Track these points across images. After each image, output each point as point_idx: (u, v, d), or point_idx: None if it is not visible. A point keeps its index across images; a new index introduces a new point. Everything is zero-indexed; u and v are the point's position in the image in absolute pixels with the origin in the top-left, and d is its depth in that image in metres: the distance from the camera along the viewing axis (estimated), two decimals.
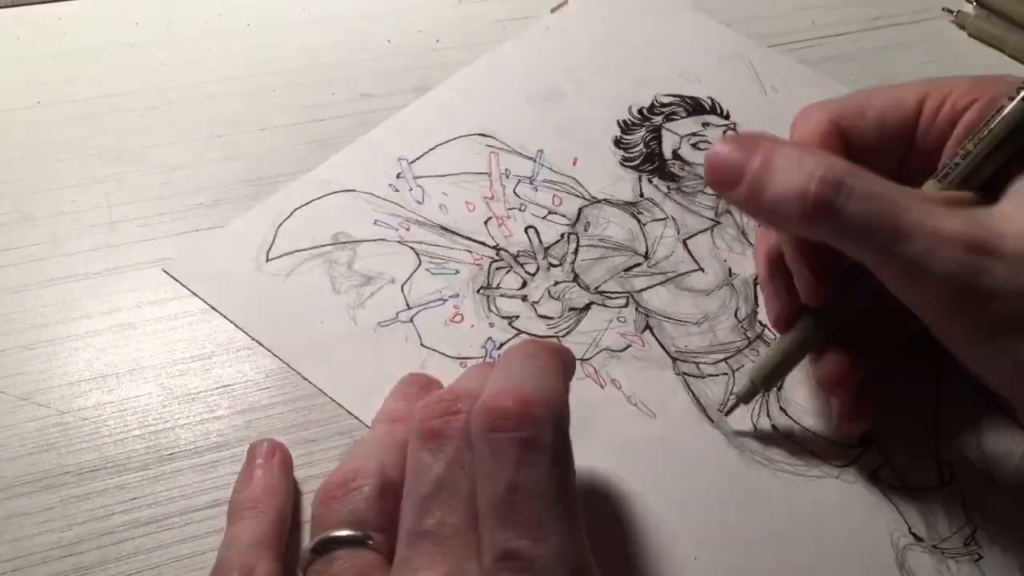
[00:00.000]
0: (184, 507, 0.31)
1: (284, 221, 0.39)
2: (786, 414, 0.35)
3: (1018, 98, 0.28)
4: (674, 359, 0.36)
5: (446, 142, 0.43)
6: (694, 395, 0.35)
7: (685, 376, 0.36)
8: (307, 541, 0.27)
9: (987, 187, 0.29)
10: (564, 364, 0.29)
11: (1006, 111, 0.28)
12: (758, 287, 0.38)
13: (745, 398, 0.34)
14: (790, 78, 0.48)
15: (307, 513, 0.31)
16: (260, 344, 0.35)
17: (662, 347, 0.37)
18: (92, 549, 0.30)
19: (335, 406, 0.34)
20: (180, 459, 0.32)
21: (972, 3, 0.52)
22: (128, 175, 0.41)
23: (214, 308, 0.36)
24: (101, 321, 0.36)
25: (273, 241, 0.39)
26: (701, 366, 0.36)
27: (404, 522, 0.26)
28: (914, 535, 0.32)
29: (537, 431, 0.25)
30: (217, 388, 0.34)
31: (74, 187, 0.40)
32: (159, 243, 0.38)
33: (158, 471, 0.32)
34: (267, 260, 0.38)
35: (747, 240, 0.40)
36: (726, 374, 0.36)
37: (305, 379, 0.35)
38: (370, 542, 0.26)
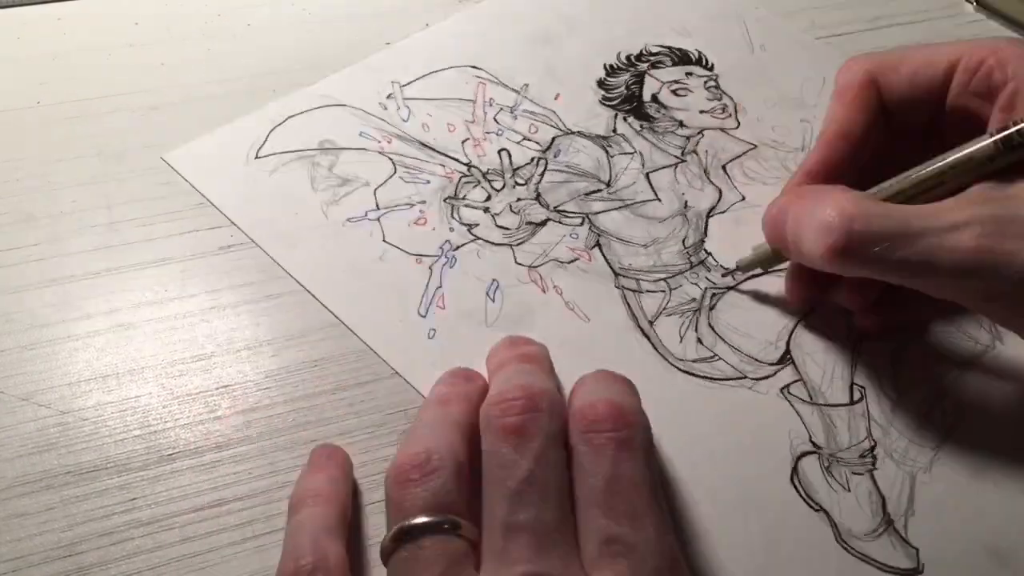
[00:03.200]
0: (184, 507, 0.31)
1: (277, 126, 0.43)
2: (713, 330, 0.37)
3: None
4: (616, 274, 0.39)
5: (439, 71, 0.46)
6: (629, 307, 0.37)
7: (624, 289, 0.38)
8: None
9: None
10: (635, 391, 0.31)
11: None
12: (710, 219, 0.41)
13: (745, 268, 0.38)
14: (781, 39, 0.50)
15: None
16: (240, 229, 0.39)
17: (607, 263, 0.39)
18: (92, 549, 0.30)
19: (334, 407, 0.34)
20: (180, 459, 0.32)
21: (972, 3, 0.52)
22: (128, 175, 0.41)
23: (204, 196, 0.40)
24: (101, 321, 0.36)
25: (264, 141, 0.42)
26: (641, 282, 0.38)
27: (495, 513, 0.26)
28: (813, 443, 0.34)
29: (631, 432, 0.28)
30: (217, 388, 0.34)
31: (74, 187, 0.40)
32: (159, 243, 0.38)
33: (158, 471, 0.32)
34: (256, 157, 0.41)
35: (708, 179, 0.42)
36: (663, 291, 0.38)
37: (275, 261, 0.38)
38: (458, 530, 0.26)
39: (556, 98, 0.45)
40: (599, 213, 0.41)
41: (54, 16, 0.47)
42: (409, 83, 0.45)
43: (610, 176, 0.42)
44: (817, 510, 0.32)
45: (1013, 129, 0.30)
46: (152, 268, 0.38)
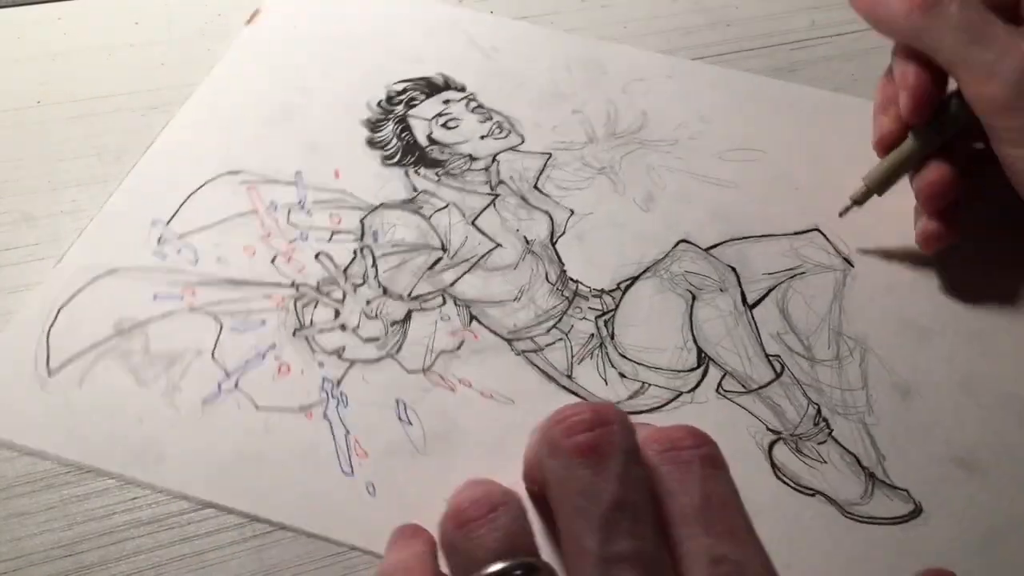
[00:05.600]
0: (185, 507, 0.31)
1: (51, 326, 0.35)
2: (626, 358, 0.36)
3: None
4: (509, 341, 0.37)
5: (195, 191, 0.39)
6: (541, 369, 0.36)
7: (525, 353, 0.36)
8: None
9: None
10: None
11: None
12: (556, 246, 0.39)
13: (860, 200, 0.39)
14: (505, 36, 0.48)
15: None
16: (81, 468, 0.32)
17: (493, 333, 0.37)
18: (92, 549, 0.30)
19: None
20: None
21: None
22: (128, 175, 0.41)
23: (10, 443, 0.32)
24: None
25: (48, 351, 0.34)
26: (536, 339, 0.37)
27: (584, 547, 0.24)
28: (771, 430, 0.35)
29: (713, 449, 0.26)
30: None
31: (74, 187, 0.40)
32: None
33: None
34: (49, 374, 0.34)
35: (530, 205, 0.41)
36: (561, 339, 0.37)
37: (146, 488, 0.31)
38: (524, 573, 0.24)
39: (337, 176, 0.41)
40: (454, 283, 0.38)
41: (54, 16, 0.47)
42: (172, 217, 0.38)
43: (440, 239, 0.39)
44: (812, 494, 0.33)
45: None
46: None
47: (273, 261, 0.38)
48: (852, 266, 0.40)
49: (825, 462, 0.34)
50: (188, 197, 0.39)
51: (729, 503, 0.25)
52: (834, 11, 0.52)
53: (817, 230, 0.41)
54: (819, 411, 0.35)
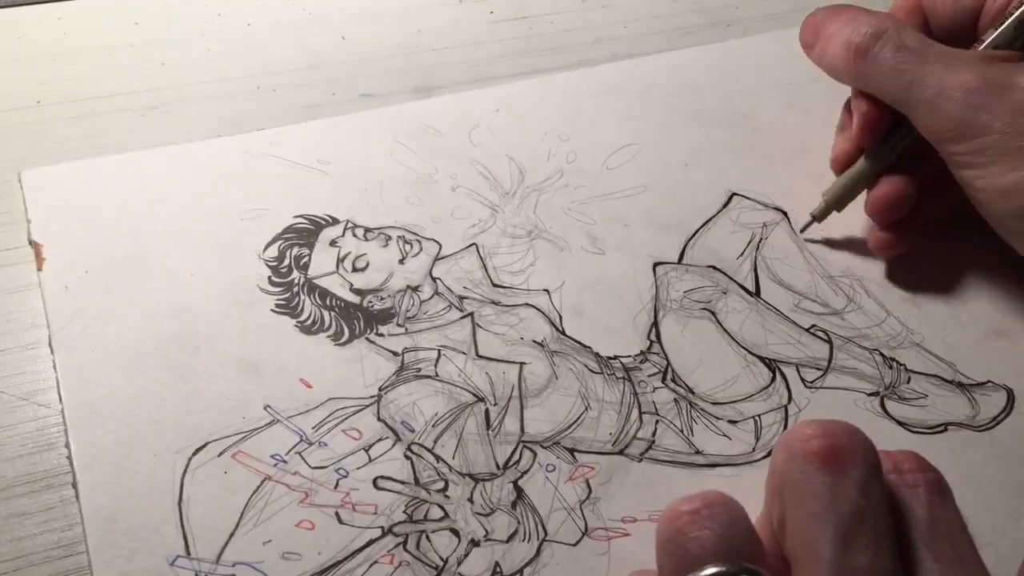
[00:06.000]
0: None
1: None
2: (720, 403, 0.35)
3: None
4: (620, 453, 0.34)
5: (180, 498, 0.30)
6: (669, 462, 0.33)
7: (645, 457, 0.33)
8: None
9: None
10: None
11: None
12: (568, 336, 0.36)
13: (820, 217, 0.40)
14: (317, 143, 0.41)
15: None
16: None
17: (602, 454, 0.33)
18: None
19: None
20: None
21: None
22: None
23: None
24: None
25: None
26: (639, 436, 0.34)
27: (819, 554, 0.23)
28: (870, 395, 0.36)
29: (938, 476, 0.26)
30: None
31: None
32: None
33: None
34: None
35: (505, 305, 0.37)
36: (658, 421, 0.34)
37: None
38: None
39: (308, 387, 0.34)
40: (524, 428, 0.33)
41: (54, 16, 0.47)
42: (187, 547, 0.30)
43: (470, 390, 0.34)
44: (944, 429, 0.35)
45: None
46: None
47: (340, 520, 0.31)
48: (785, 213, 0.41)
49: (926, 396, 0.36)
50: (180, 509, 0.30)
51: (955, 529, 0.25)
52: None
53: (736, 195, 0.42)
54: (883, 355, 0.37)
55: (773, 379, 0.36)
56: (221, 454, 0.32)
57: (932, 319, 0.38)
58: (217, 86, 0.45)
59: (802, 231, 0.40)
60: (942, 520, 0.25)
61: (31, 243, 0.36)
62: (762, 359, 0.36)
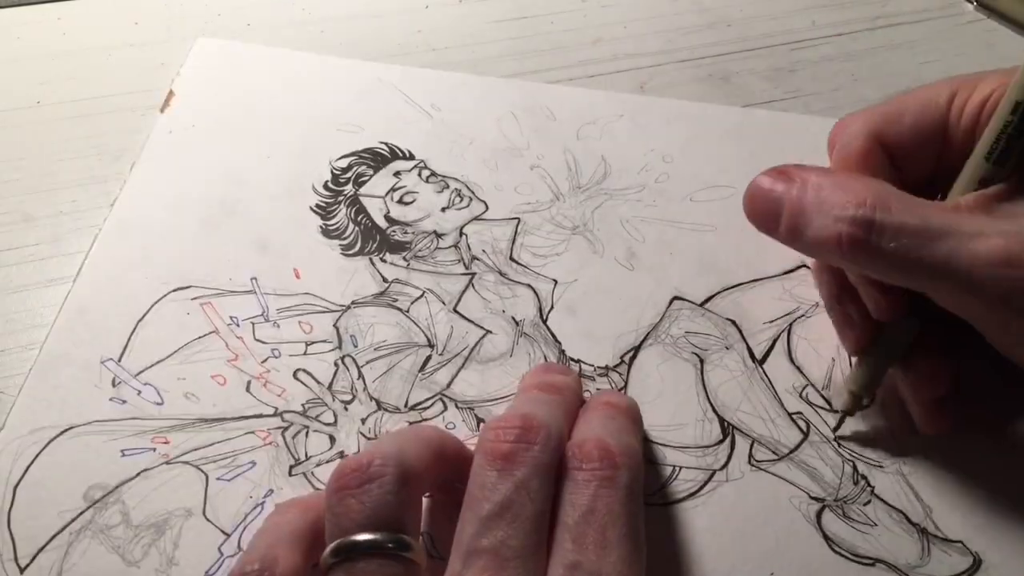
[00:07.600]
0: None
1: (11, 509, 0.30)
2: (651, 442, 0.34)
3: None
4: None
5: (143, 317, 0.35)
6: None
7: None
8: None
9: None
10: (637, 423, 0.31)
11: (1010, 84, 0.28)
12: (548, 324, 0.36)
13: (851, 411, 0.34)
14: (443, 90, 0.44)
15: None
16: None
17: None
18: None
19: None
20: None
21: (972, 3, 0.52)
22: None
23: None
24: None
25: (13, 540, 0.30)
26: None
27: (462, 537, 0.26)
28: (814, 498, 0.33)
29: (615, 472, 0.27)
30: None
31: (74, 187, 0.40)
32: None
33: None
34: (21, 570, 0.29)
35: (511, 280, 0.38)
36: None
37: None
38: (406, 551, 0.25)
39: (296, 276, 0.36)
40: (450, 384, 0.34)
41: (54, 16, 0.47)
42: (123, 354, 0.34)
43: (425, 334, 0.35)
44: (872, 564, 0.31)
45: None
46: None
47: (248, 388, 0.33)
48: None
49: (875, 524, 0.32)
50: (136, 325, 0.34)
51: (612, 519, 0.26)
52: (834, 11, 0.52)
53: (805, 266, 0.38)
54: (855, 467, 0.33)
55: (720, 442, 0.34)
56: (195, 299, 0.36)
57: (938, 461, 0.34)
58: None
59: (835, 430, 0.34)
60: (600, 510, 0.26)
61: (170, 92, 0.43)
62: (722, 420, 0.34)
